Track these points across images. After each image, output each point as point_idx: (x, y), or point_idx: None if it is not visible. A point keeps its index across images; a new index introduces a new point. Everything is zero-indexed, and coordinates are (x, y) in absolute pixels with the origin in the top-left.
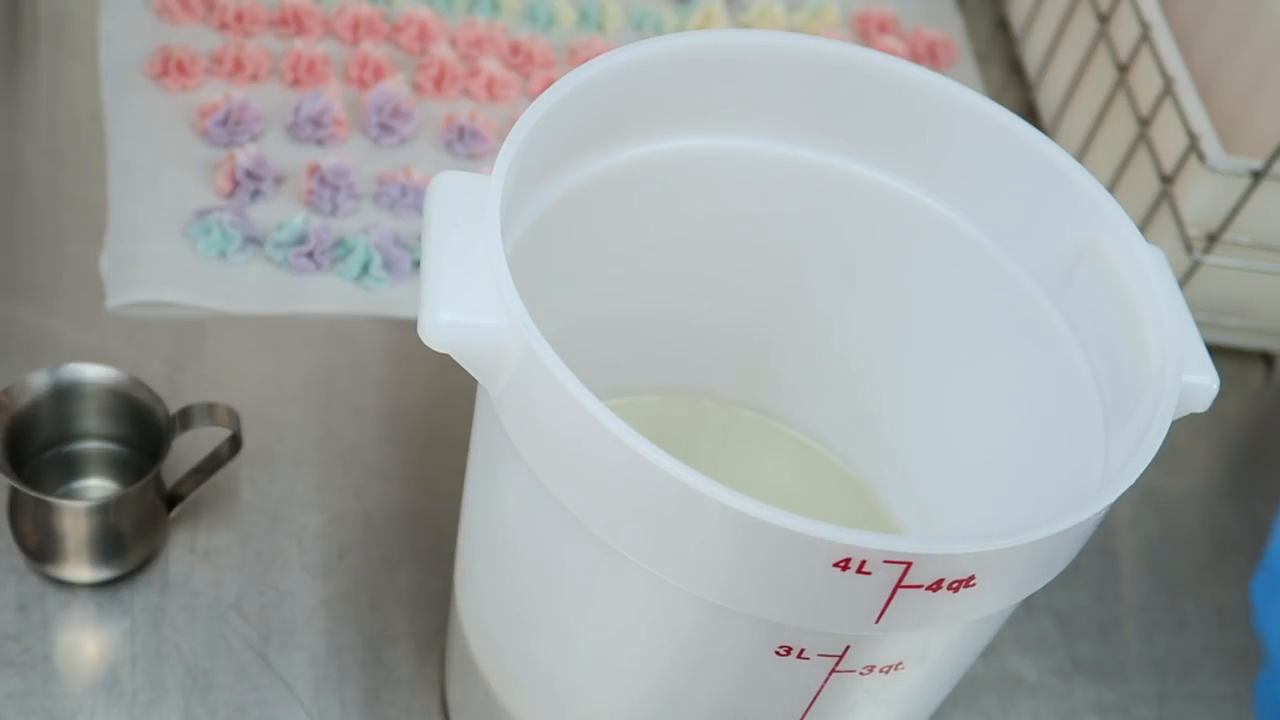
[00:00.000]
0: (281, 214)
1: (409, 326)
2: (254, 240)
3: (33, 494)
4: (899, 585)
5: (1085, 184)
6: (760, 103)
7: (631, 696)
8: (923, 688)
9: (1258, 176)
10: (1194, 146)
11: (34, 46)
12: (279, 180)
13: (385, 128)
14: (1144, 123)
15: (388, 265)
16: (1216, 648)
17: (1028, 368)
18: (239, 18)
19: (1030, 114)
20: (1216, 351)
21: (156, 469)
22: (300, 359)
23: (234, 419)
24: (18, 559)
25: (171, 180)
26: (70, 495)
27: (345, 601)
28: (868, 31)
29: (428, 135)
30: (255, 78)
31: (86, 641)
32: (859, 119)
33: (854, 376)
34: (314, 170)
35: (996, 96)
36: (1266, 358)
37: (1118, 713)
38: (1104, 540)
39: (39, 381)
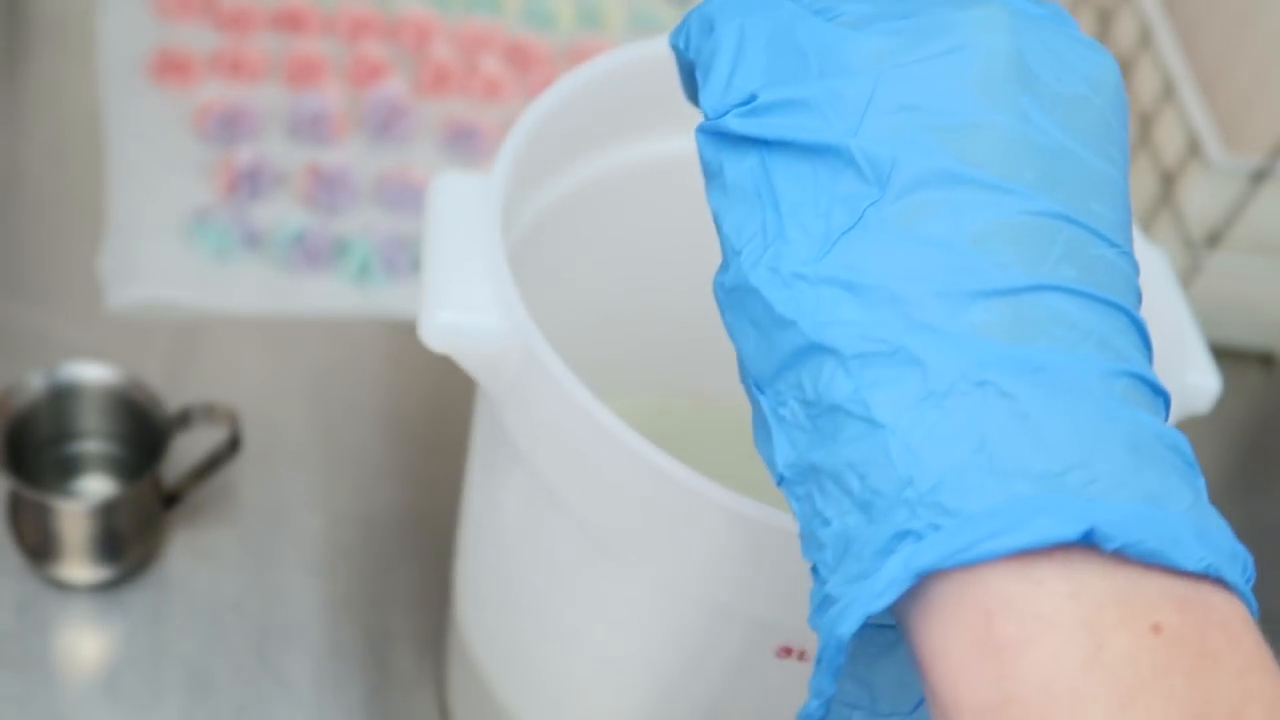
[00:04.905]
0: (281, 214)
1: (408, 327)
2: (253, 240)
3: (32, 494)
4: None
5: None
6: None
7: (631, 697)
8: None
9: (1260, 176)
10: (1195, 146)
11: (33, 46)
12: (278, 180)
13: (384, 127)
14: (1145, 122)
15: (387, 265)
16: None
17: None
18: (238, 17)
19: None
20: (1218, 352)
21: (155, 469)
22: (300, 359)
23: (233, 419)
24: (17, 559)
25: (171, 180)
26: (69, 495)
27: (345, 601)
28: None
29: (427, 135)
30: (254, 77)
31: (85, 642)
32: None
33: None
34: (313, 170)
35: None
36: (1268, 358)
37: None
38: None
39: (38, 381)
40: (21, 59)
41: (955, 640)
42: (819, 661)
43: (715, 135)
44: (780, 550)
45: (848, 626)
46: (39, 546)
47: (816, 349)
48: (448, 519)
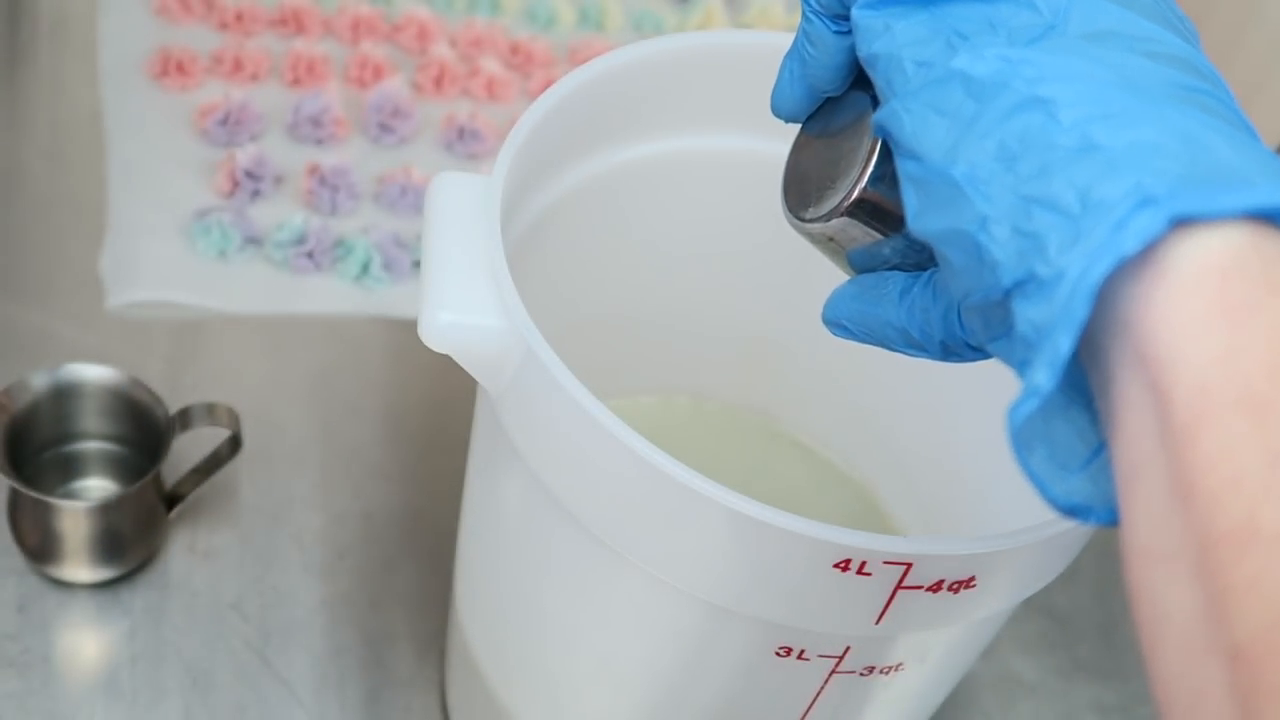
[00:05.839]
0: (281, 214)
1: (409, 326)
2: (254, 240)
3: (33, 494)
4: (899, 586)
5: None
6: (760, 103)
7: (631, 697)
8: (923, 688)
9: None
10: None
11: (34, 46)
12: (279, 180)
13: (385, 128)
14: None
15: (387, 265)
16: None
17: None
18: (239, 17)
19: None
20: None
21: (156, 469)
22: (300, 359)
23: (234, 419)
24: (17, 559)
25: (171, 180)
26: (70, 495)
27: (345, 601)
28: None
29: (428, 135)
30: (255, 78)
31: (86, 642)
32: None
33: (854, 376)
34: (314, 170)
35: None
36: None
37: (1118, 713)
38: (1104, 540)
39: (39, 381)
40: (22, 59)
41: (1185, 302)
42: (1049, 334)
43: (878, 3)
44: (780, 550)
45: (1101, 268)
46: (40, 546)
47: (1029, 103)
48: (448, 519)
